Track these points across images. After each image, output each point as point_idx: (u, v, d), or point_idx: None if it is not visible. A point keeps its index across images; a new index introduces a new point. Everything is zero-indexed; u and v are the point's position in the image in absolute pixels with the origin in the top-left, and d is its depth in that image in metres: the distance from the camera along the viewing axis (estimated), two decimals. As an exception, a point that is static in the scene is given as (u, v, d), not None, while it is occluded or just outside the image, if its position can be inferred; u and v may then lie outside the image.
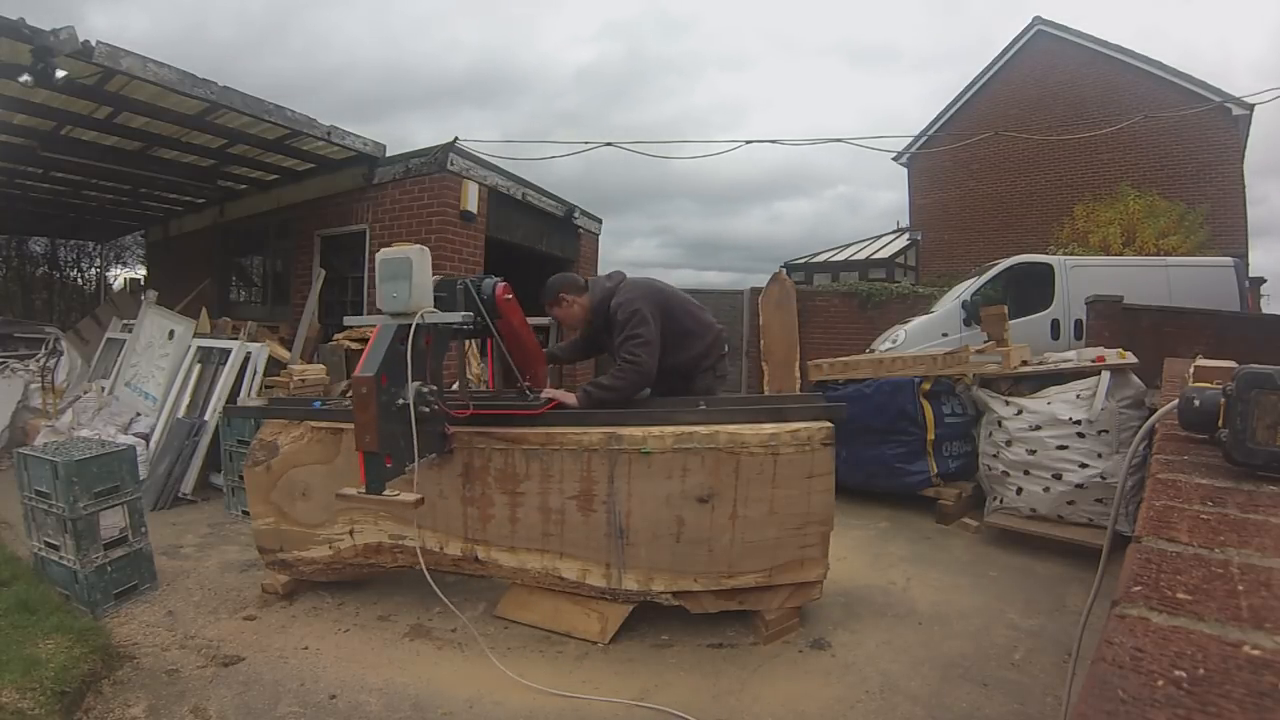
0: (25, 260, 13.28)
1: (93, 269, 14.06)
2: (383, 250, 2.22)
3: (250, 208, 7.36)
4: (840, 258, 14.59)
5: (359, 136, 5.79)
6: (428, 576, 2.26)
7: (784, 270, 11.69)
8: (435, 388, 2.20)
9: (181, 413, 4.56)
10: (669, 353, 2.73)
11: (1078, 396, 3.32)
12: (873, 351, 6.49)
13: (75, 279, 14.05)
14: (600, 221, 8.69)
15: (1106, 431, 3.20)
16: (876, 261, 13.86)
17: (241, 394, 4.54)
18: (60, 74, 3.93)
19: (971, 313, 6.15)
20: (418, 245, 2.21)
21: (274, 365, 4.83)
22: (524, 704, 2.03)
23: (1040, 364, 3.79)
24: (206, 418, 4.42)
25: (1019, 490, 3.45)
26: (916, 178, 14.11)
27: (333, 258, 6.57)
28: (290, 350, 5.55)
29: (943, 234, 13.38)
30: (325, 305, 6.30)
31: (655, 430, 2.34)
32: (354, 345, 5.12)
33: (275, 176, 6.73)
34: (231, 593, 2.85)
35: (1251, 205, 10.64)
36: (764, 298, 9.26)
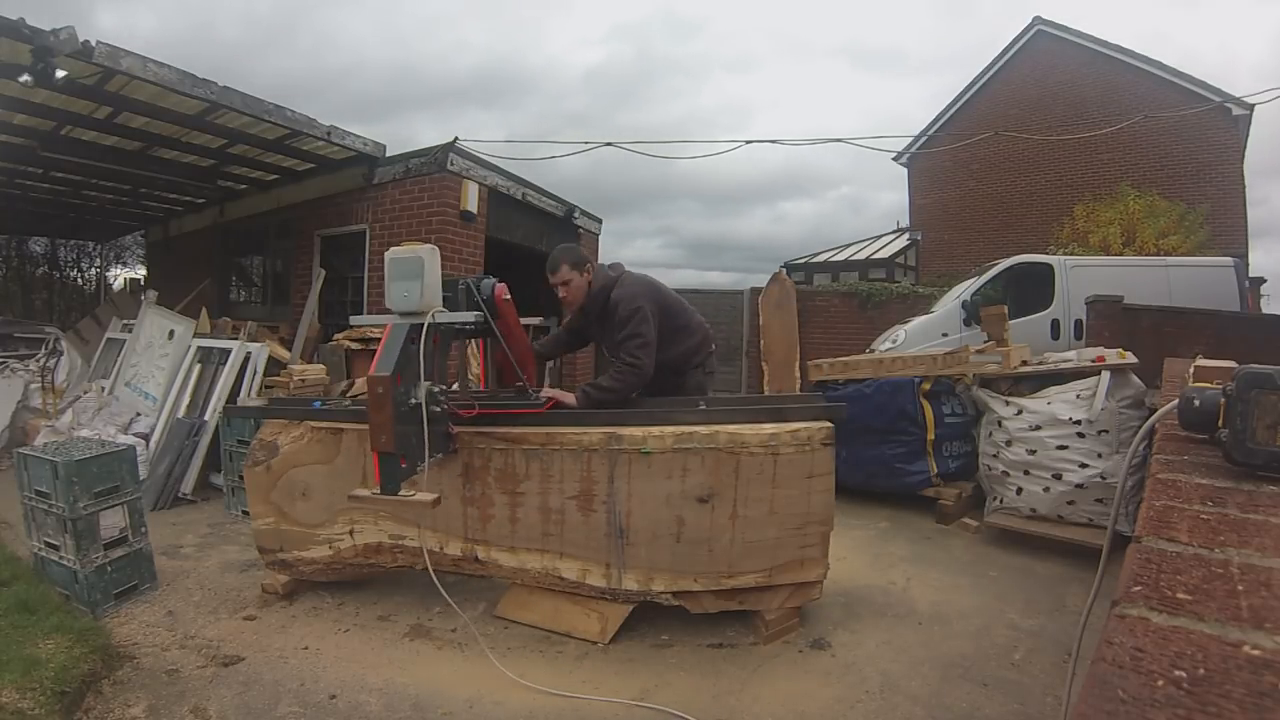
0: (25, 260, 13.28)
1: (93, 269, 14.08)
2: (393, 249, 2.22)
3: (250, 208, 7.36)
4: (840, 258, 14.60)
5: (359, 136, 5.79)
6: (433, 575, 2.26)
7: (784, 270, 11.68)
8: (444, 387, 2.20)
9: (181, 413, 4.56)
10: (663, 349, 2.75)
11: (1078, 396, 3.32)
12: (873, 351, 6.48)
13: (75, 279, 14.06)
14: (600, 221, 8.68)
15: (1106, 431, 3.20)
16: (876, 261, 13.86)
17: (241, 394, 4.54)
18: (60, 74, 3.93)
19: (971, 313, 6.15)
20: (428, 245, 2.21)
21: (274, 365, 4.83)
22: (524, 704, 2.03)
23: (1040, 364, 3.79)
24: (206, 418, 4.42)
25: (1019, 490, 3.45)
26: (916, 178, 14.11)
27: (333, 258, 6.57)
28: (290, 350, 5.55)
29: (943, 234, 13.38)
30: (325, 305, 6.30)
31: (655, 430, 2.34)
32: (354, 345, 5.12)
33: (275, 176, 6.73)
34: (231, 593, 2.85)
35: (1252, 206, 10.65)
36: (764, 298, 9.26)
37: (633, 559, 2.36)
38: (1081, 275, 6.25)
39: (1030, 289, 6.45)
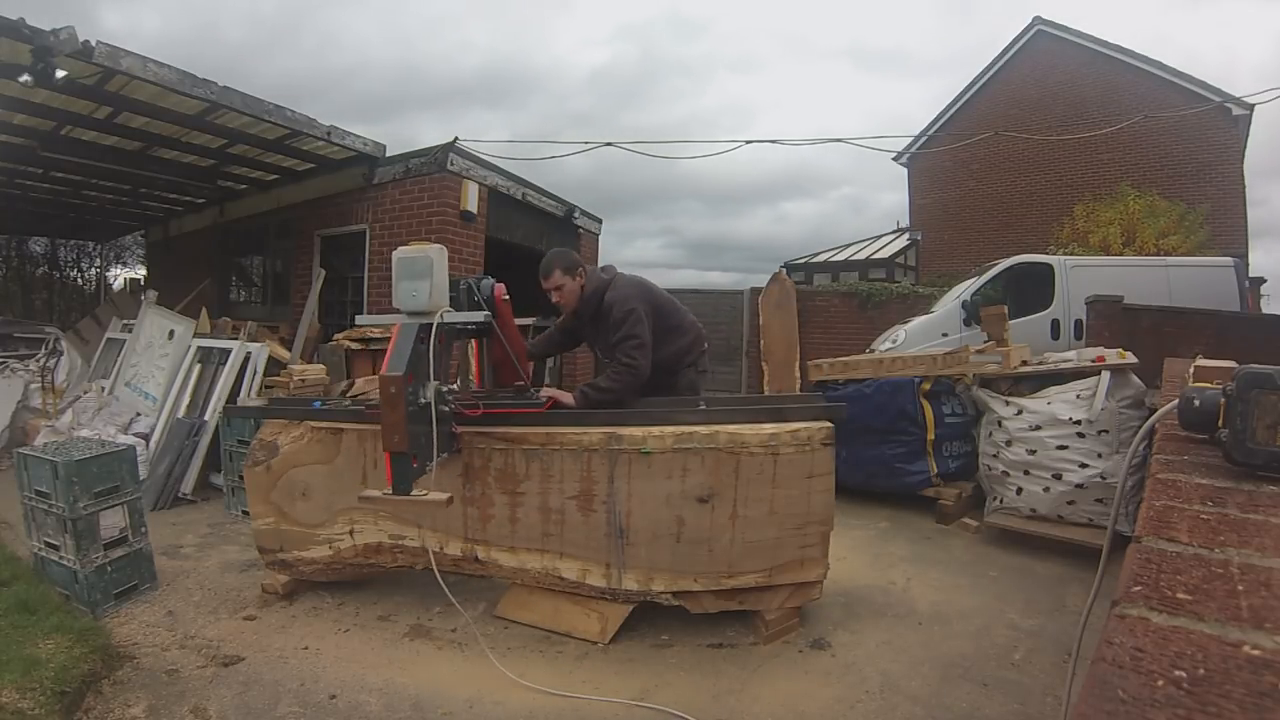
0: (25, 260, 13.28)
1: (93, 269, 14.07)
2: (401, 249, 2.21)
3: (250, 208, 7.36)
4: (840, 258, 14.59)
5: (359, 136, 5.79)
6: (436, 573, 2.26)
7: (784, 270, 11.68)
8: (452, 387, 2.20)
9: (181, 413, 4.56)
10: (655, 349, 2.76)
11: (1078, 396, 3.32)
12: (873, 351, 6.48)
13: (75, 279, 14.05)
14: (600, 222, 8.68)
15: (1106, 431, 3.20)
16: (876, 261, 13.86)
17: (241, 394, 4.54)
18: (60, 74, 3.93)
19: (971, 313, 6.15)
20: (437, 245, 2.21)
21: (274, 365, 4.83)
22: (524, 704, 2.03)
23: (1040, 364, 3.79)
24: (206, 418, 4.42)
25: (1019, 490, 3.45)
26: (916, 178, 14.11)
27: (333, 258, 6.57)
28: (290, 350, 5.55)
29: (943, 234, 13.37)
30: (325, 305, 6.30)
31: (655, 430, 2.34)
32: (354, 345, 5.12)
33: (275, 176, 6.73)
34: (231, 593, 2.85)
35: (1252, 206, 10.65)
36: (764, 298, 9.26)
37: (633, 559, 2.36)
38: (1081, 275, 6.25)
39: (1030, 289, 6.45)
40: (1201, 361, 1.65)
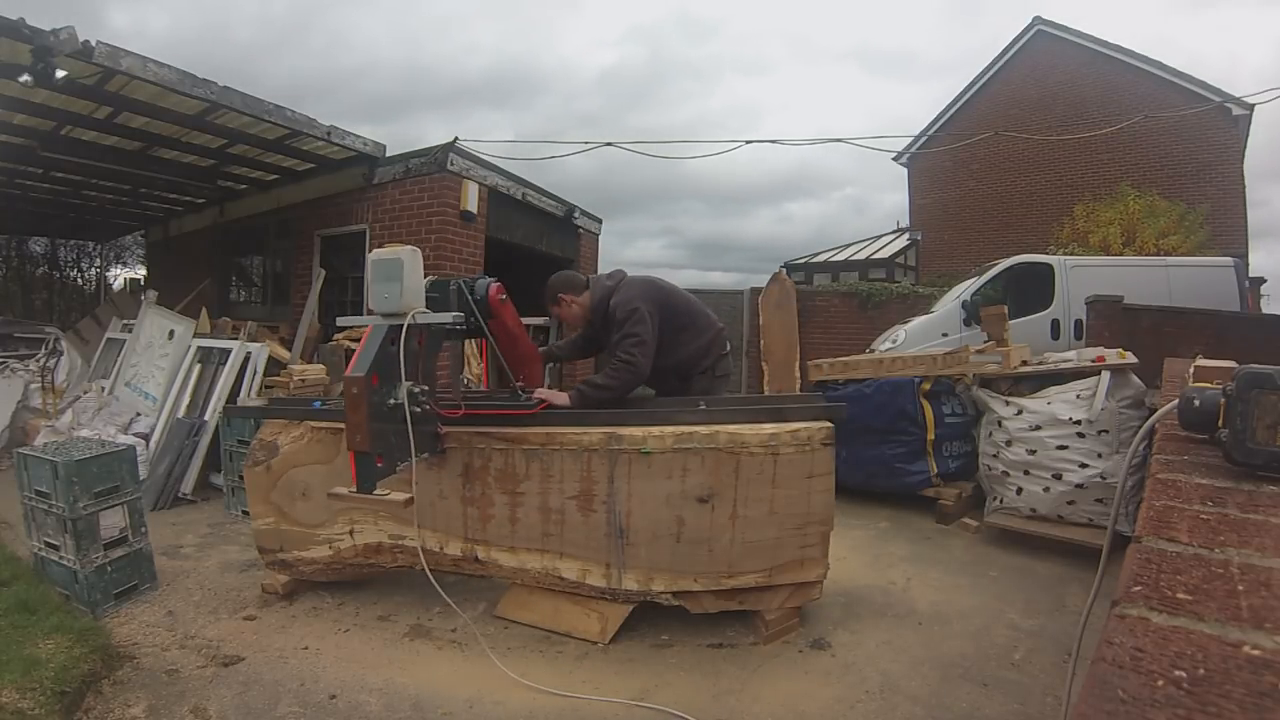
0: (25, 260, 13.28)
1: (93, 269, 14.07)
2: (374, 251, 2.23)
3: (250, 208, 7.36)
4: (840, 258, 14.59)
5: (359, 136, 5.79)
6: (429, 575, 2.26)
7: (784, 270, 11.69)
8: (427, 388, 2.21)
9: (181, 413, 4.56)
10: (667, 352, 2.73)
11: (1078, 396, 3.32)
12: (873, 351, 6.48)
13: (75, 279, 14.05)
14: (600, 222, 8.68)
15: (1106, 431, 3.20)
16: (876, 261, 13.86)
17: (241, 394, 4.54)
18: (60, 74, 3.93)
19: (971, 313, 6.15)
20: (409, 246, 2.22)
21: (274, 365, 4.83)
22: (524, 704, 2.03)
23: (1040, 364, 3.79)
24: (206, 418, 4.42)
25: (1019, 490, 3.45)
26: (916, 178, 14.11)
27: (333, 258, 6.57)
28: (290, 350, 5.55)
29: (943, 234, 13.38)
30: (325, 305, 6.29)
31: (655, 430, 2.34)
32: (354, 345, 5.12)
33: (275, 176, 6.72)
34: (231, 593, 2.85)
35: (1253, 207, 10.66)
36: (764, 298, 9.26)
37: (633, 559, 2.36)
38: (1081, 275, 6.25)
39: (1030, 289, 6.45)
40: (1201, 361, 1.65)
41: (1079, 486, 3.23)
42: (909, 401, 4.01)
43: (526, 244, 7.20)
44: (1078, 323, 5.95)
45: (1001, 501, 3.58)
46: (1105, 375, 3.30)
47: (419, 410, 2.12)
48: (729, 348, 3.01)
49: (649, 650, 2.36)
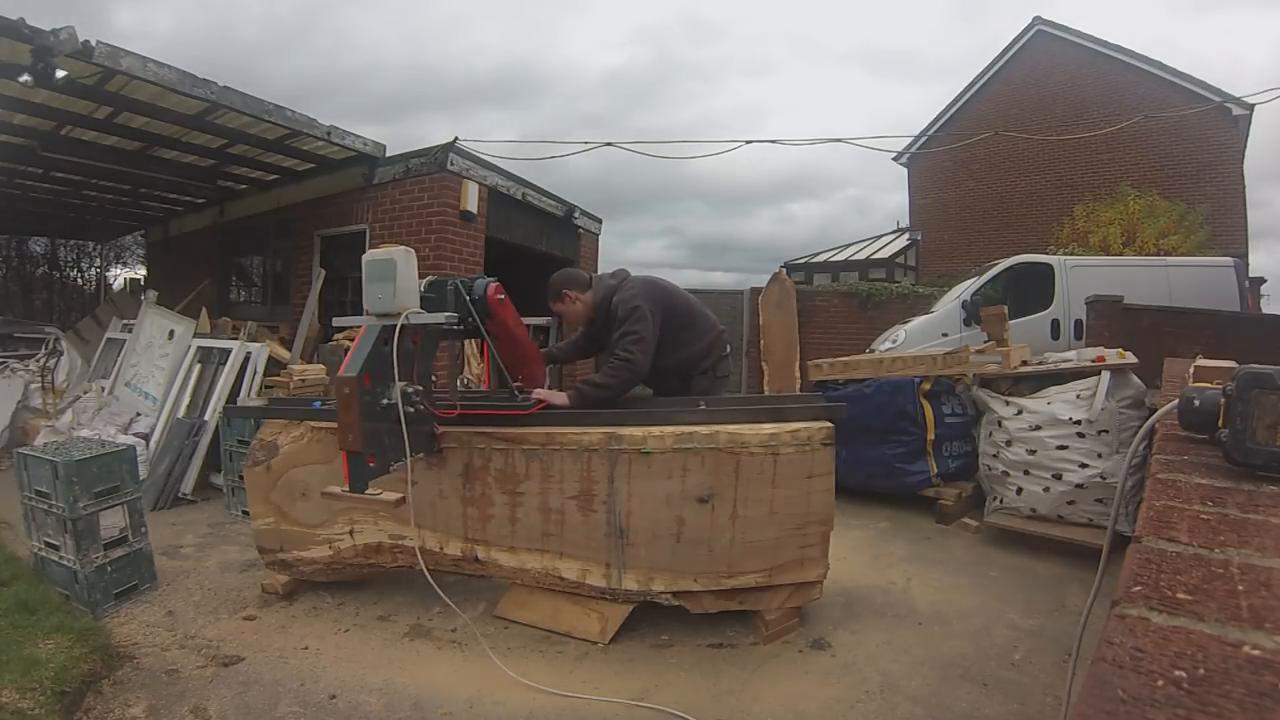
0: (25, 260, 13.28)
1: (93, 269, 14.08)
2: (369, 252, 2.24)
3: (250, 208, 7.36)
4: (840, 258, 14.59)
5: (359, 136, 5.79)
6: (428, 575, 2.26)
7: (784, 270, 11.69)
8: (421, 388, 2.21)
9: (181, 413, 4.56)
10: (668, 352, 2.73)
11: (1078, 396, 3.32)
12: (873, 351, 6.48)
13: (75, 279, 14.06)
14: (600, 222, 8.69)
15: (1106, 431, 3.20)
16: (876, 261, 13.86)
17: (241, 394, 4.54)
18: (60, 74, 3.93)
19: (971, 313, 6.15)
20: (403, 247, 2.23)
21: (274, 365, 4.83)
22: (524, 704, 2.03)
23: (1040, 364, 3.79)
24: (206, 418, 4.42)
25: (1019, 490, 3.45)
26: (916, 178, 14.11)
27: (333, 258, 6.57)
28: (290, 350, 5.55)
29: (943, 234, 13.38)
30: (325, 305, 6.29)
31: (655, 430, 2.34)
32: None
33: (275, 176, 6.73)
34: (231, 593, 2.85)
35: (1253, 208, 10.66)
36: (764, 298, 9.26)
37: (633, 559, 2.36)
38: (1081, 275, 6.25)
39: (1030, 289, 6.45)
40: (1201, 361, 1.65)
41: (1079, 486, 3.23)
42: (909, 401, 4.01)
43: (526, 244, 7.20)
44: (1078, 323, 5.95)
45: (1001, 501, 3.58)
46: (1105, 375, 3.30)
47: (413, 410, 2.13)
48: (729, 349, 3.01)
49: (649, 650, 2.36)
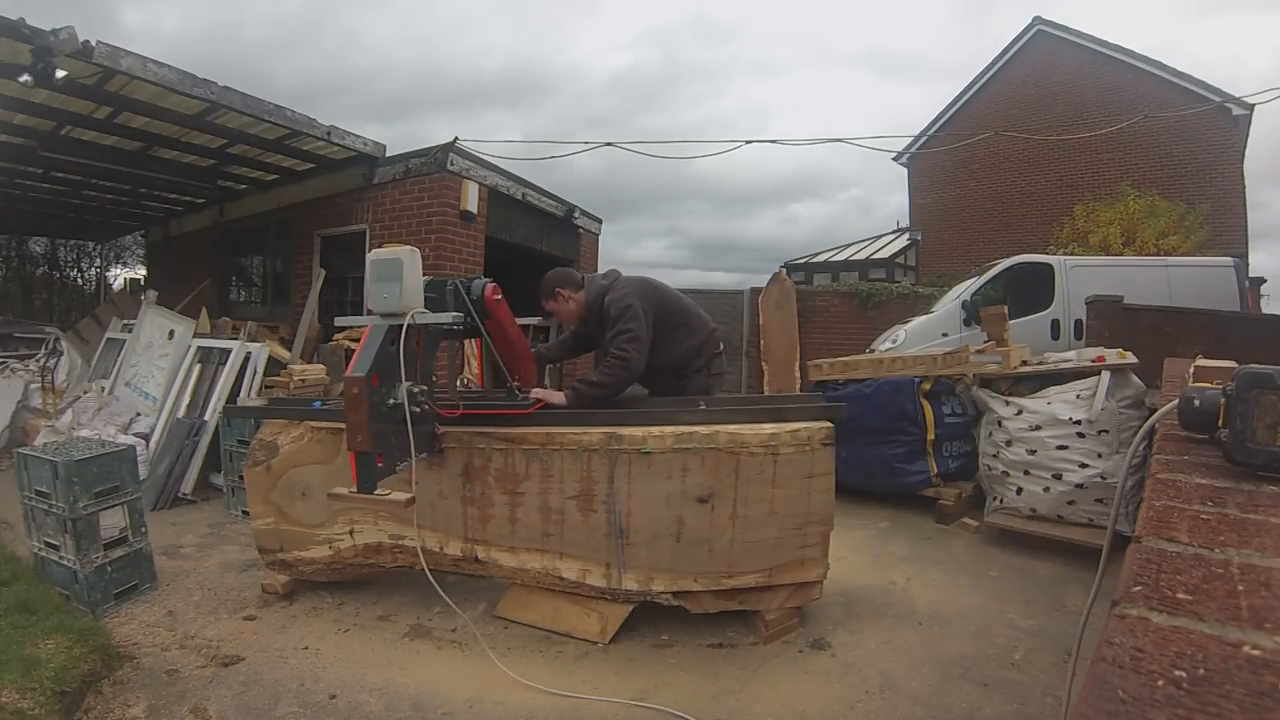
0: (25, 260, 13.28)
1: (93, 269, 14.08)
2: (373, 251, 2.23)
3: (250, 208, 7.36)
4: (840, 258, 14.59)
5: (359, 136, 5.79)
6: (429, 575, 2.26)
7: (784, 270, 11.69)
8: (426, 388, 2.21)
9: (181, 413, 4.56)
10: (661, 350, 2.74)
11: (1078, 396, 3.32)
12: (873, 351, 6.48)
13: (75, 279, 14.06)
14: (600, 222, 8.68)
15: (1106, 431, 3.20)
16: (876, 261, 13.86)
17: (241, 394, 4.54)
18: (60, 74, 3.93)
19: (971, 313, 6.15)
20: (408, 246, 2.23)
21: (274, 365, 4.83)
22: (524, 704, 2.03)
23: (1040, 364, 3.79)
24: (206, 418, 4.42)
25: (1019, 490, 3.45)
26: (916, 178, 14.11)
27: (333, 258, 6.57)
28: (290, 350, 5.55)
29: (943, 234, 13.38)
30: (325, 305, 6.30)
31: (655, 430, 2.34)
32: (353, 345, 5.12)
33: (275, 176, 6.73)
34: (231, 593, 2.85)
35: (1254, 209, 10.66)
36: (764, 298, 9.26)
37: (633, 559, 2.36)
38: (1081, 275, 6.25)
39: (1030, 289, 6.45)
40: (1201, 361, 1.65)
41: (1079, 486, 3.23)
42: (909, 401, 4.01)
43: (526, 244, 7.20)
44: (1078, 323, 5.95)
45: (1001, 501, 3.58)
46: (1105, 375, 3.30)
47: (418, 410, 2.13)
48: (721, 347, 3.04)
49: (649, 650, 2.36)
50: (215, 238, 8.09)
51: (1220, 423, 0.96)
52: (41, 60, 3.70)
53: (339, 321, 2.61)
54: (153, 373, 4.99)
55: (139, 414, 4.81)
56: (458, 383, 2.89)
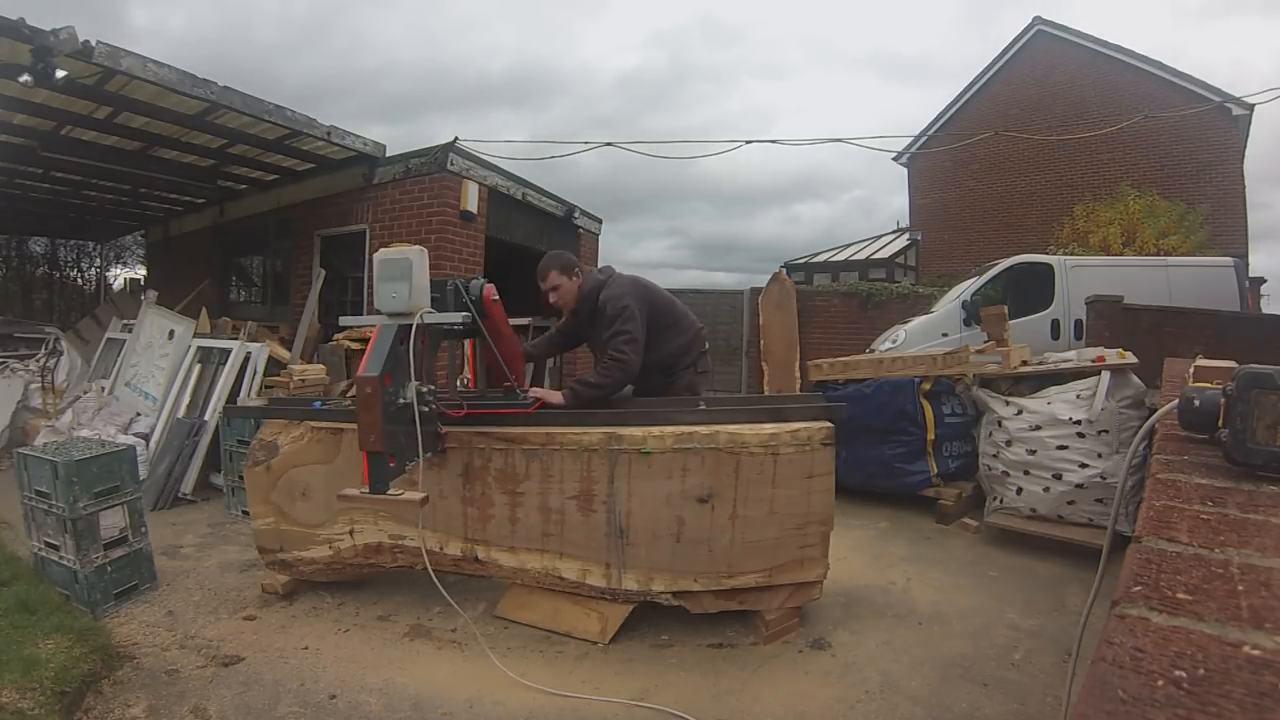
0: (25, 260, 13.28)
1: (93, 269, 14.07)
2: (381, 250, 2.23)
3: (250, 208, 7.36)
4: (840, 258, 14.59)
5: (358, 136, 5.79)
6: (432, 574, 2.26)
7: (784, 270, 11.68)
8: (433, 387, 2.22)
9: (181, 413, 4.56)
10: (652, 349, 2.76)
11: (1078, 396, 3.32)
12: (873, 351, 6.48)
13: (75, 279, 14.05)
14: (600, 222, 8.68)
15: (1106, 431, 3.20)
16: (876, 261, 13.85)
17: (241, 394, 4.54)
18: (60, 74, 3.93)
19: (971, 313, 6.15)
20: (417, 246, 2.23)
21: (274, 365, 4.83)
22: (524, 704, 2.03)
23: (1040, 364, 3.79)
24: (206, 418, 4.42)
25: (1019, 490, 3.45)
26: (916, 178, 14.11)
27: (333, 258, 6.57)
28: (290, 350, 5.55)
29: (943, 234, 13.37)
30: (325, 305, 6.30)
31: (655, 430, 2.34)
32: (354, 345, 5.12)
33: (275, 176, 6.72)
34: (231, 593, 2.85)
35: (1254, 210, 10.66)
36: (764, 298, 9.26)
37: (633, 559, 2.36)
38: (1081, 275, 6.25)
39: (1030, 289, 6.45)
40: (1201, 361, 1.65)
41: (1079, 486, 3.23)
42: (909, 401, 4.01)
43: (526, 244, 7.20)
44: (1078, 323, 5.95)
45: (1001, 501, 3.58)
46: (1105, 375, 3.30)
47: (426, 410, 2.13)
48: (708, 346, 3.08)
49: (649, 650, 2.36)
50: (215, 238, 8.09)
51: (1220, 423, 0.96)
52: (41, 60, 3.70)
53: (344, 321, 2.61)
54: (153, 373, 4.99)
55: (139, 414, 4.81)
56: (459, 383, 2.89)
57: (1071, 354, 3.87)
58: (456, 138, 5.87)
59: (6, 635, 2.16)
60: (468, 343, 2.78)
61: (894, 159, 14.05)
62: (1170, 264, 6.50)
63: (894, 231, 15.27)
